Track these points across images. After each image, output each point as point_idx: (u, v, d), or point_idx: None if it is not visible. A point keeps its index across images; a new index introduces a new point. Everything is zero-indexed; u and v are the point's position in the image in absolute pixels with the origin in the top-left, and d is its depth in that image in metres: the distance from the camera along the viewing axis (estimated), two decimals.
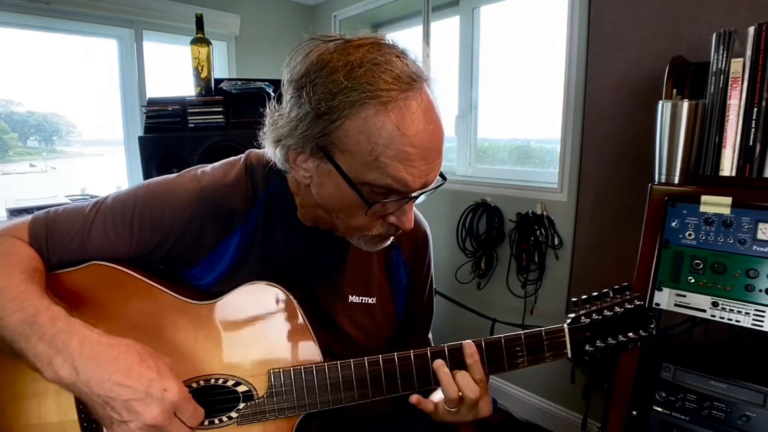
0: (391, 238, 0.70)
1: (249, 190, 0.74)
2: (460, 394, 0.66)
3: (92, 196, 1.94)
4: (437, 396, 0.71)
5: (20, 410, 0.64)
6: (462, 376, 0.67)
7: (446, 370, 0.67)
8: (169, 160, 1.65)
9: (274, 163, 0.72)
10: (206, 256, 0.73)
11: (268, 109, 0.66)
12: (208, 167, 0.76)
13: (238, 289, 0.70)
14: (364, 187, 0.59)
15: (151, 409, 0.55)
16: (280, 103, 0.65)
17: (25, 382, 0.64)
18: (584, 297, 0.73)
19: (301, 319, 0.70)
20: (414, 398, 0.68)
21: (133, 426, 0.54)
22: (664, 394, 1.03)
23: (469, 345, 0.68)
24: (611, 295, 0.73)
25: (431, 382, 0.69)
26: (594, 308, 0.71)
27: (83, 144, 2.59)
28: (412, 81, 0.56)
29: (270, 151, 0.66)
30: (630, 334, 0.72)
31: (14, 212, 1.69)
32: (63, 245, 0.67)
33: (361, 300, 0.80)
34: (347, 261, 0.80)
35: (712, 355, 1.06)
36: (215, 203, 0.71)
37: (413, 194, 0.61)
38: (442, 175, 0.63)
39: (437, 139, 0.59)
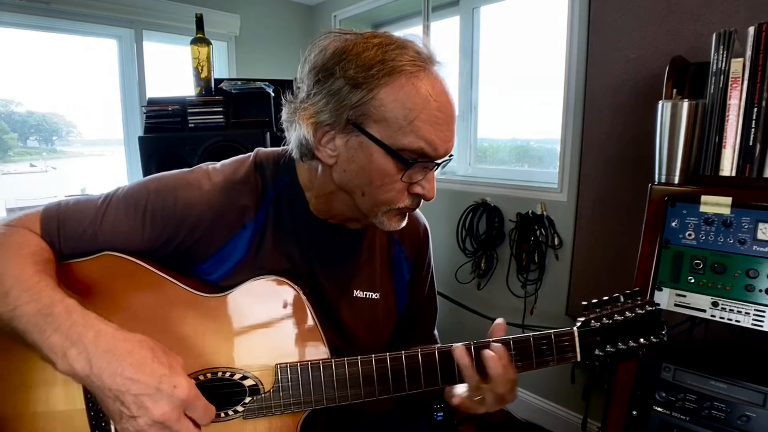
0: (407, 217, 0.72)
1: (259, 186, 0.74)
2: (488, 373, 0.66)
3: None
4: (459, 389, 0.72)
5: (28, 398, 0.64)
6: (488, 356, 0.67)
7: (467, 361, 0.67)
8: (169, 160, 1.66)
9: (284, 159, 0.75)
10: (216, 251, 0.73)
11: (284, 100, 0.69)
12: (218, 164, 0.77)
13: (248, 284, 0.70)
14: (399, 153, 0.63)
15: (161, 405, 0.54)
16: (294, 95, 0.68)
17: (34, 371, 0.63)
18: (595, 301, 0.71)
19: (309, 315, 0.70)
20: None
21: (142, 422, 0.54)
22: (664, 394, 1.03)
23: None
24: (622, 300, 0.71)
25: (438, 382, 0.69)
26: (605, 313, 0.70)
27: (83, 144, 2.59)
28: (429, 59, 0.65)
29: (298, 131, 0.68)
30: (641, 339, 0.70)
31: (14, 212, 1.68)
32: (75, 237, 0.68)
33: (366, 295, 0.81)
34: (355, 256, 0.80)
35: (712, 355, 1.06)
36: (226, 199, 0.72)
37: (439, 160, 0.66)
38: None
39: (454, 107, 0.67)
